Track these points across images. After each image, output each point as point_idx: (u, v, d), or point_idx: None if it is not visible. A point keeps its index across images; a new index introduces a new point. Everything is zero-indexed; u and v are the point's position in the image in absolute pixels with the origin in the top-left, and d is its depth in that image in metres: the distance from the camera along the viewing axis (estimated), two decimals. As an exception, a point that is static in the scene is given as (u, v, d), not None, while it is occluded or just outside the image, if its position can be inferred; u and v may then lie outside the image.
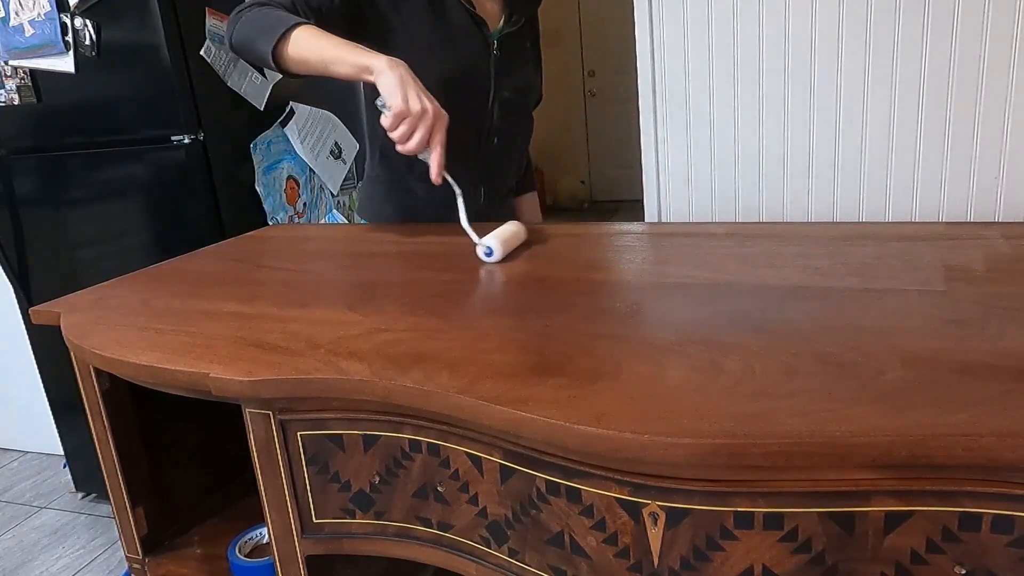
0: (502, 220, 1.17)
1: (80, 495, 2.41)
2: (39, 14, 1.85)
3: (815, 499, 0.58)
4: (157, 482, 1.13)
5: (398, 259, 1.17)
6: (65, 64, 1.86)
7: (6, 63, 1.94)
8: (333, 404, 0.78)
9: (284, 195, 2.07)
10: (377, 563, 0.93)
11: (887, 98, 1.42)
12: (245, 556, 1.09)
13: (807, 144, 1.49)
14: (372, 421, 0.78)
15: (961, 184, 1.41)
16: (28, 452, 2.74)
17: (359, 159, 2.35)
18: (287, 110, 2.07)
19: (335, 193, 2.25)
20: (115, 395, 1.05)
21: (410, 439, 0.77)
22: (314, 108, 2.16)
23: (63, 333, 0.98)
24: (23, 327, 2.29)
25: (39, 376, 2.29)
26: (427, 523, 0.79)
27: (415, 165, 1.33)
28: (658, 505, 0.61)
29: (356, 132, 2.34)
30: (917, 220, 1.44)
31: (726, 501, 0.59)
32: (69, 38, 1.83)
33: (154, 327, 0.94)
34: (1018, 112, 1.35)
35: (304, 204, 2.14)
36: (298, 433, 0.81)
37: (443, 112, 1.09)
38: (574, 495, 0.65)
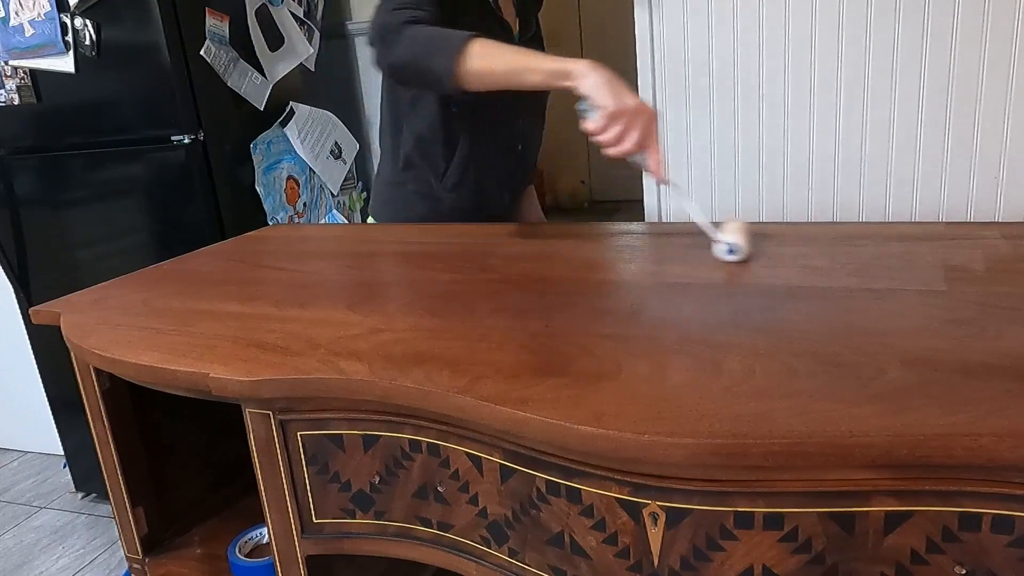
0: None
1: (80, 495, 2.41)
2: (39, 14, 1.85)
3: (815, 499, 0.58)
4: (157, 482, 1.13)
5: (398, 259, 1.17)
6: (65, 64, 1.86)
7: (6, 63, 1.94)
8: (333, 404, 0.78)
9: (284, 195, 2.07)
10: (377, 563, 0.93)
11: (887, 98, 1.42)
12: (245, 556, 1.09)
13: (807, 144, 1.49)
14: (372, 421, 0.78)
15: (961, 184, 1.41)
16: (28, 452, 2.73)
17: (359, 159, 2.35)
18: (287, 110, 2.07)
19: (335, 193, 2.25)
20: (115, 395, 1.05)
21: (410, 439, 0.77)
22: (314, 108, 2.16)
23: (63, 333, 0.99)
24: (23, 327, 2.29)
25: (39, 376, 2.29)
26: (427, 523, 0.79)
27: (443, 175, 1.32)
28: (658, 505, 0.61)
29: (356, 132, 2.34)
30: (917, 220, 1.44)
31: (726, 501, 0.59)
32: (69, 38, 1.83)
33: (154, 327, 0.94)
34: (1018, 112, 1.35)
35: (304, 204, 2.14)
36: (298, 433, 0.81)
37: (654, 109, 1.02)
38: (574, 495, 0.65)
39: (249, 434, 0.83)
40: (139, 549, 1.12)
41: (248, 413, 0.82)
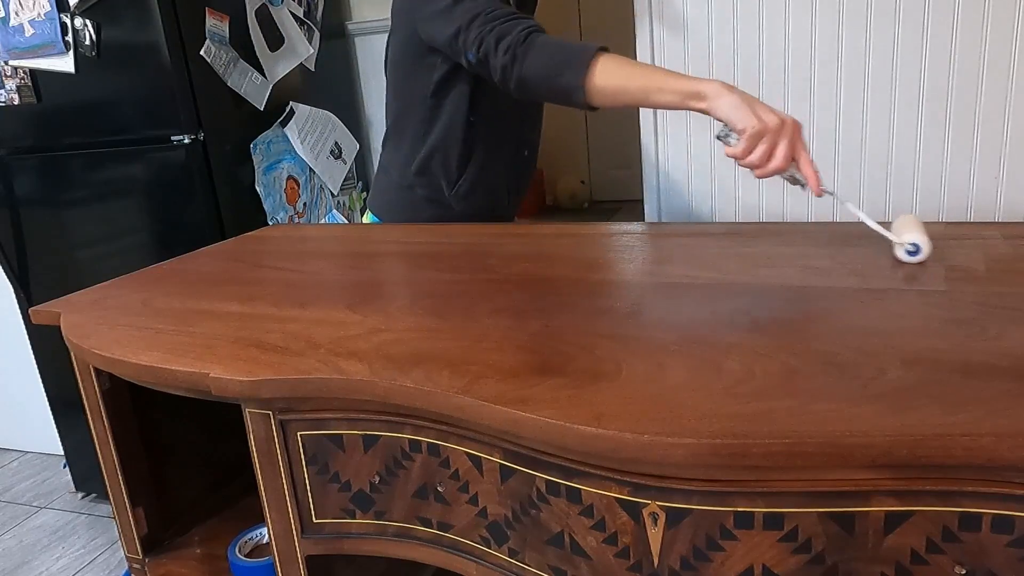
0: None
1: (80, 495, 2.41)
2: (39, 14, 1.85)
3: (815, 499, 0.58)
4: (157, 482, 1.13)
5: (398, 259, 1.17)
6: (65, 64, 1.86)
7: (6, 63, 1.94)
8: (333, 404, 0.78)
9: (284, 195, 2.07)
10: (377, 563, 0.93)
11: (887, 98, 1.42)
12: (245, 556, 1.09)
13: (806, 144, 1.49)
14: (372, 421, 0.78)
15: (961, 184, 1.41)
16: (28, 452, 2.74)
17: (359, 159, 2.35)
18: (287, 110, 2.07)
19: (335, 193, 2.25)
20: (115, 395, 1.05)
21: (410, 439, 0.77)
22: (314, 108, 2.16)
23: (63, 333, 0.99)
24: (23, 327, 2.29)
25: (39, 376, 2.29)
26: (427, 523, 0.79)
27: (456, 183, 1.32)
28: (658, 505, 0.61)
29: (356, 132, 2.34)
30: (917, 220, 1.44)
31: (726, 501, 0.59)
32: (69, 38, 1.83)
33: (154, 327, 0.94)
34: (1018, 112, 1.35)
35: (304, 204, 2.14)
36: (298, 433, 0.81)
37: (797, 121, 0.97)
38: (574, 495, 0.65)
39: (249, 434, 0.83)
40: (139, 549, 1.12)
41: (248, 413, 0.82)
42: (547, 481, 0.67)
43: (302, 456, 0.82)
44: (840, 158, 1.47)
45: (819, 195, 0.97)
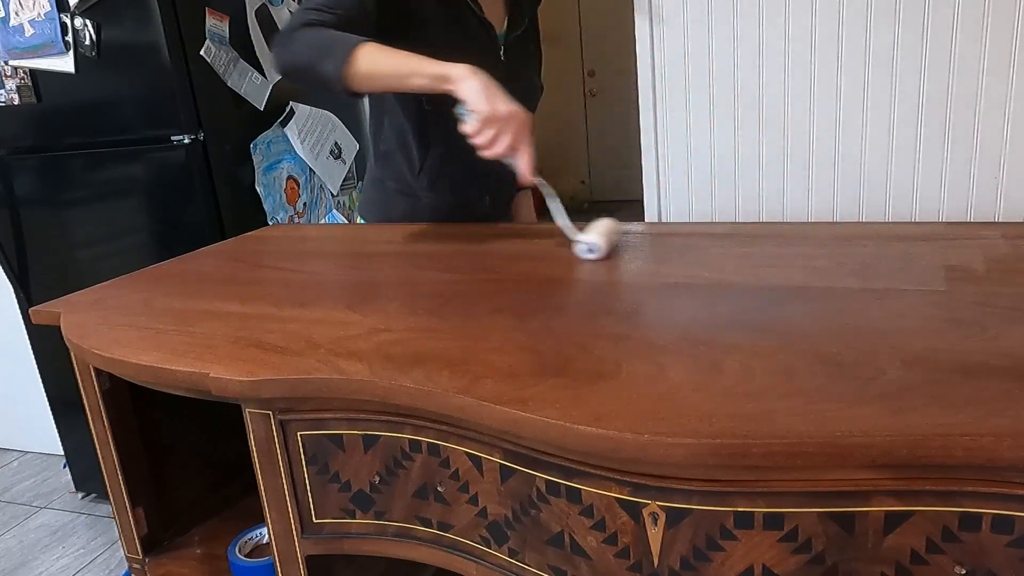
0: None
1: (80, 495, 2.41)
2: (39, 14, 1.85)
3: (815, 499, 0.58)
4: (157, 482, 1.13)
5: (398, 259, 1.17)
6: (65, 64, 1.86)
7: (6, 63, 1.94)
8: (333, 404, 0.78)
9: (284, 195, 2.07)
10: (377, 563, 0.93)
11: (887, 98, 1.42)
12: (245, 556, 1.09)
13: (807, 144, 1.49)
14: (372, 421, 0.78)
15: (961, 184, 1.41)
16: (28, 452, 2.74)
17: (359, 159, 2.35)
18: (287, 110, 2.07)
19: (335, 193, 2.25)
20: (115, 395, 1.05)
21: (410, 439, 0.77)
22: (314, 108, 2.16)
23: (63, 333, 0.98)
24: (23, 327, 2.29)
25: (39, 376, 2.30)
26: (427, 523, 0.79)
27: (419, 171, 1.33)
28: (658, 505, 0.61)
29: (356, 132, 2.34)
30: (917, 220, 1.44)
31: (726, 501, 0.59)
32: (69, 38, 1.83)
33: (154, 327, 0.94)
34: (1018, 112, 1.35)
35: (304, 204, 2.14)
36: (298, 433, 0.81)
37: (528, 114, 1.08)
38: (574, 495, 0.65)
39: (249, 434, 0.83)
40: (139, 549, 1.12)
41: (248, 413, 0.82)
42: (547, 481, 0.67)
43: (302, 456, 0.82)
44: (840, 158, 1.47)
45: (526, 185, 1.10)
